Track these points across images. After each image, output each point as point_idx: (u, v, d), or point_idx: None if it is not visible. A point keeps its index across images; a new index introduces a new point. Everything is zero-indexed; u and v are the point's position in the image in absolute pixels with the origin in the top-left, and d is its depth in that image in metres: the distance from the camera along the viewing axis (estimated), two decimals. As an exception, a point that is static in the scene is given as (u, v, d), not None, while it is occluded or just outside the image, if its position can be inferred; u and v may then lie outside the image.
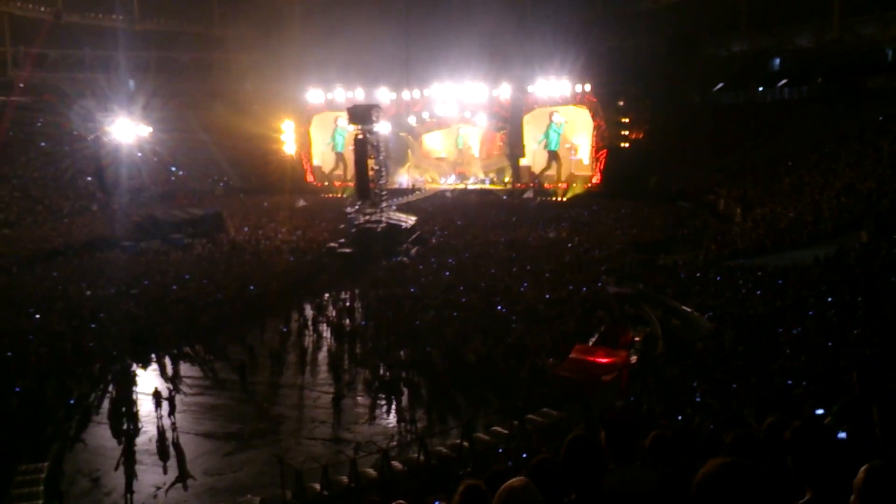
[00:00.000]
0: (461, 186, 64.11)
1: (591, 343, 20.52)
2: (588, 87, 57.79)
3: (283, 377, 21.89)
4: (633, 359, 19.80)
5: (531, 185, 61.19)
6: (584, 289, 27.42)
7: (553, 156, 62.01)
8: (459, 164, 67.70)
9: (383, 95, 63.41)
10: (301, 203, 59.08)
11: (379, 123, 39.54)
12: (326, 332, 25.78)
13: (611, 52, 66.58)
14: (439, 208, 54.12)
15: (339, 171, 68.33)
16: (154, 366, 22.78)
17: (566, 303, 25.50)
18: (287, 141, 69.50)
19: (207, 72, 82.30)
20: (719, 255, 30.88)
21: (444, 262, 34.48)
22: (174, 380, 21.45)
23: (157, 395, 18.97)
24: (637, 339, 21.09)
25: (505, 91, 60.91)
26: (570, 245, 37.33)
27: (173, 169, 70.66)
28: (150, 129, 65.31)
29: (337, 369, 21.40)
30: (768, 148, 48.96)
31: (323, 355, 23.92)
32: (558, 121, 61.34)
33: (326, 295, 30.44)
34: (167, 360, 22.79)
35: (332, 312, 27.73)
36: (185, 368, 22.57)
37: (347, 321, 26.39)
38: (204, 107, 74.41)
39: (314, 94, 67.26)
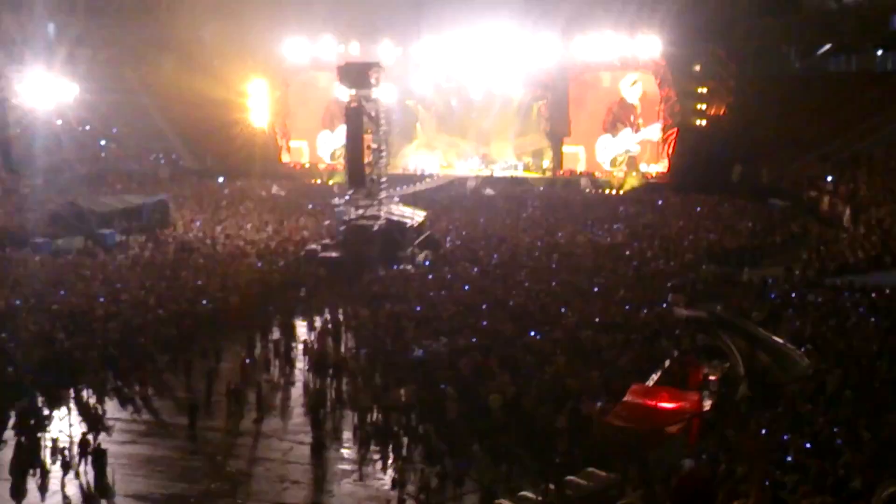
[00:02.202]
0: (486, 173, 64.33)
1: (652, 383, 20.57)
2: (655, 47, 57.89)
3: (244, 421, 22.11)
4: (707, 404, 19.82)
5: (582, 173, 61.28)
6: (645, 311, 27.44)
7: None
8: (484, 143, 67.94)
9: (386, 50, 63.81)
10: (274, 191, 59.56)
11: (379, 87, 39.76)
12: (303, 363, 25.99)
13: (687, 2, 66.54)
14: (456, 201, 54.34)
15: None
16: (73, 404, 22.94)
17: (620, 329, 25.52)
18: (256, 108, 69.96)
19: (151, 14, 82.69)
20: (822, 270, 30.85)
21: (460, 272, 34.62)
22: (99, 423, 21.49)
23: (78, 444, 19.20)
24: (712, 378, 21.08)
25: (546, 48, 61.04)
26: (626, 253, 37.35)
27: (104, 142, 71.45)
28: (75, 89, 66.23)
29: (317, 412, 21.61)
30: (889, 131, 48.76)
31: (298, 393, 24.11)
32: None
33: (304, 314, 30.66)
34: (90, 397, 22.99)
35: (311, 337, 27.96)
36: (115, 408, 22.83)
37: (332, 349, 26.58)
38: (147, 60, 74.94)
39: (294, 47, 67.60)
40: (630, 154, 61.75)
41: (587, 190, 58.66)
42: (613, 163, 61.97)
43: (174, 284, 33.03)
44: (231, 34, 71.42)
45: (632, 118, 61.90)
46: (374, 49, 63.10)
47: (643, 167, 61.11)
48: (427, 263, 37.51)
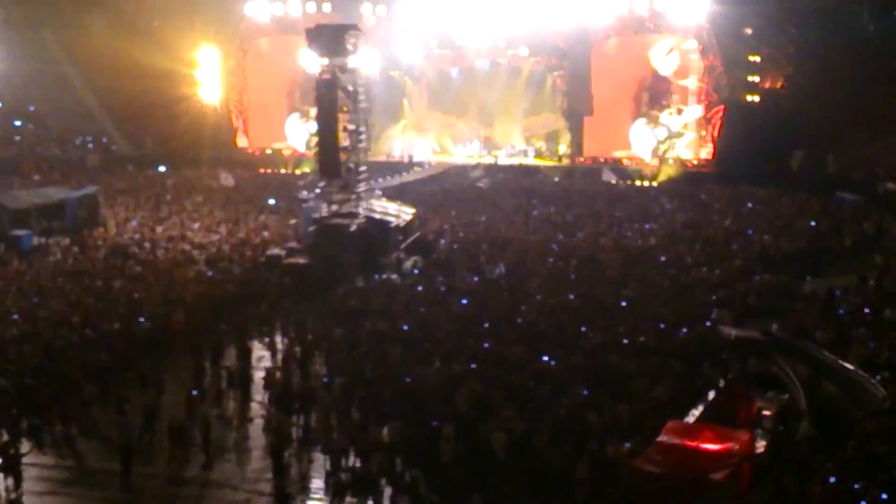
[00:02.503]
0: (489, 160, 64.46)
1: (693, 419, 20.56)
2: (697, 5, 58.02)
3: (190, 467, 22.06)
4: (761, 445, 19.82)
5: (606, 160, 61.56)
6: (684, 330, 27.48)
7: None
8: (486, 123, 68.11)
9: (367, 10, 63.92)
10: (222, 180, 59.48)
11: (357, 55, 39.79)
12: (263, 395, 25.95)
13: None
14: (452, 195, 54.35)
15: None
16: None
17: (654, 353, 25.53)
18: (207, 81, 70.00)
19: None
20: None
21: (457, 282, 34.60)
22: (12, 469, 21.31)
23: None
24: (767, 413, 21.07)
25: (563, 6, 61.17)
26: (661, 259, 37.44)
27: (18, 123, 71.34)
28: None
29: (279, 455, 21.54)
30: None
31: (257, 432, 24.07)
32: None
33: (265, 333, 30.64)
34: (1, 437, 22.88)
35: (273, 362, 27.91)
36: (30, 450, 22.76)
37: (299, 377, 26.54)
38: (71, 21, 74.87)
39: (253, 6, 67.73)
40: (674, 140, 61.90)
41: (612, 181, 58.75)
42: (655, 153, 62.13)
43: (105, 298, 32.96)
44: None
45: (671, 96, 62.08)
46: (351, 8, 63.24)
47: (680, 152, 61.35)
48: (416, 272, 37.50)
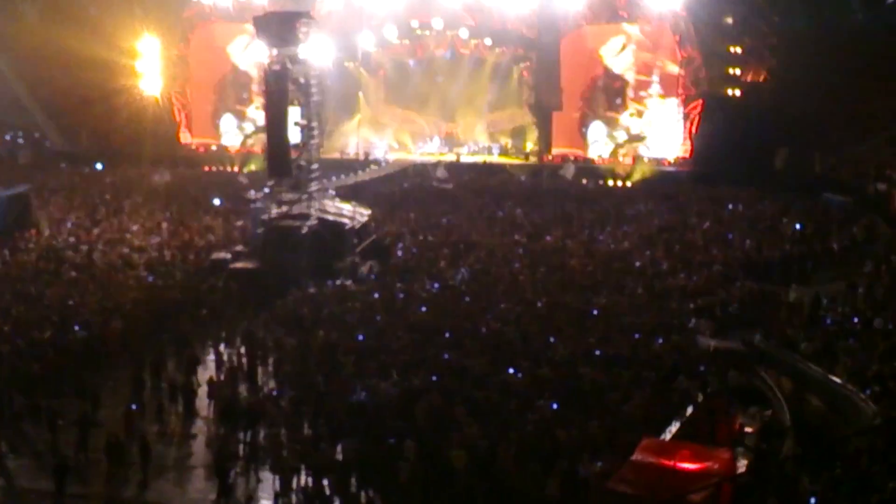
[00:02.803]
0: (450, 158, 64.46)
1: (669, 436, 20.55)
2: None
3: (128, 488, 21.81)
4: (742, 464, 19.83)
5: (572, 157, 61.86)
6: (660, 341, 27.50)
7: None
8: (448, 118, 68.12)
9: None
10: (157, 178, 59.00)
11: (310, 44, 39.67)
12: (207, 410, 25.70)
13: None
14: (411, 195, 54.27)
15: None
16: None
17: (628, 365, 25.50)
18: (148, 72, 69.51)
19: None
20: (893, 287, 31.06)
21: (416, 289, 34.50)
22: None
23: None
24: (749, 430, 21.10)
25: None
26: (636, 264, 37.53)
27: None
28: None
29: (224, 474, 21.32)
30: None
31: (200, 449, 23.80)
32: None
33: (209, 343, 30.37)
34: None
35: (217, 374, 27.66)
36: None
37: (245, 391, 26.29)
38: (2, 9, 74.16)
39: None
40: (635, 144, 62.28)
41: (570, 177, 58.85)
42: (615, 156, 62.66)
43: (37, 305, 32.72)
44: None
45: (626, 96, 62.39)
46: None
47: (646, 151, 61.70)
48: (372, 277, 37.42)
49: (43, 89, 70.76)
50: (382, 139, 68.11)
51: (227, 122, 70.32)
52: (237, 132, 70.32)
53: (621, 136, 63.04)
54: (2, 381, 25.80)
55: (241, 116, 70.53)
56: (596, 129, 63.45)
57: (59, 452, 22.28)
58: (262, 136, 59.67)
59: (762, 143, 55.33)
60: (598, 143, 63.46)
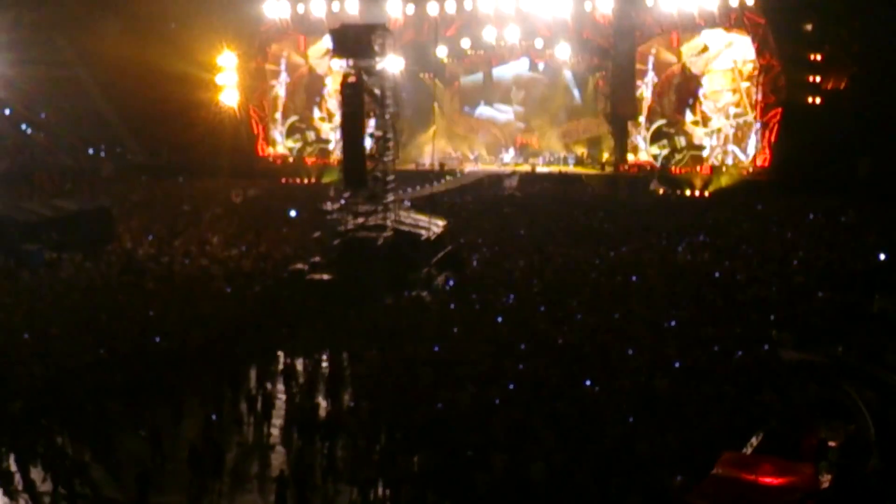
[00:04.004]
0: (525, 168, 64.44)
1: (750, 450, 20.28)
2: (754, 1, 57.78)
3: (207, 497, 21.99)
4: (825, 480, 19.50)
5: (651, 168, 61.42)
6: (740, 353, 27.20)
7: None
8: (523, 130, 68.11)
9: (394, 8, 64.19)
10: (244, 193, 59.73)
11: (385, 57, 39.88)
12: (286, 420, 25.86)
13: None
14: (487, 206, 54.29)
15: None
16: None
17: (707, 378, 25.30)
18: (227, 85, 70.51)
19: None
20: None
21: (492, 300, 34.51)
22: (29, 498, 21.55)
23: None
24: (832, 444, 20.74)
25: (605, 4, 61.16)
26: (714, 275, 37.15)
27: (29, 130, 72.08)
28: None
29: (302, 486, 21.48)
30: None
31: (279, 461, 24.02)
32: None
33: (287, 354, 30.64)
34: (12, 465, 23.01)
35: (295, 385, 27.91)
36: (42, 478, 22.74)
37: (322, 402, 26.50)
38: (84, 24, 75.70)
39: (274, 6, 68.30)
40: (689, 153, 61.55)
41: (658, 191, 58.53)
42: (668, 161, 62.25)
43: (119, 316, 33.12)
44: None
45: (696, 97, 61.72)
46: (377, 7, 63.57)
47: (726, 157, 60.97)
48: (448, 288, 37.41)
49: (124, 104, 72.13)
50: (458, 151, 68.34)
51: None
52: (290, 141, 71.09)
53: (681, 142, 62.43)
54: (85, 392, 26.22)
55: (308, 122, 71.24)
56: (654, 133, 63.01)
57: (141, 462, 22.62)
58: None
59: (844, 152, 54.48)
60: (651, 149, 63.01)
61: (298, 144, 71.83)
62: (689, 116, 62.31)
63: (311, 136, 71.30)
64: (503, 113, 68.65)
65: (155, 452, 23.20)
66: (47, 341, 29.94)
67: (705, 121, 61.79)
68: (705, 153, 62.02)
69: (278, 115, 72.17)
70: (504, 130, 68.44)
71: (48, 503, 21.67)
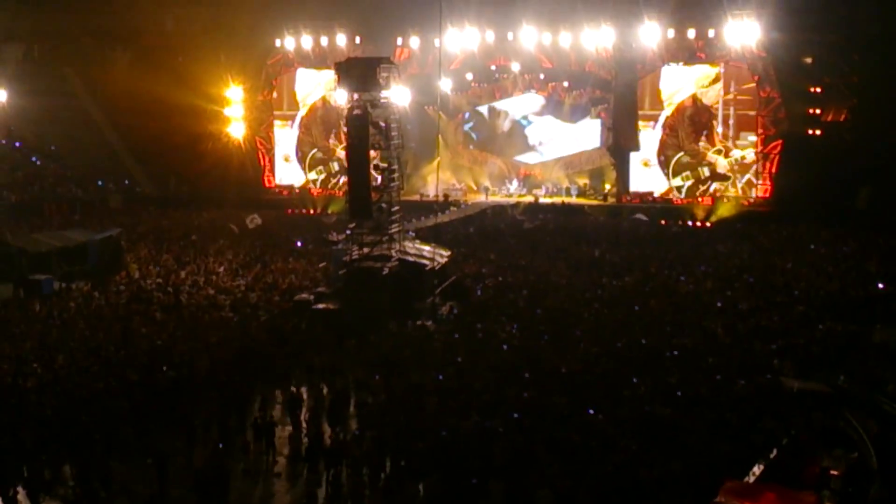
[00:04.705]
0: (528, 199, 64.58)
1: (752, 478, 20.25)
2: (752, 33, 58.08)
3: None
4: (828, 508, 19.44)
5: (648, 198, 61.58)
6: (742, 382, 27.18)
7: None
8: (526, 162, 68.32)
9: (400, 42, 64.66)
10: (252, 222, 59.99)
11: (390, 89, 40.11)
12: (291, 448, 25.86)
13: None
14: (491, 236, 54.39)
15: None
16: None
17: (710, 406, 25.28)
18: (234, 118, 70.88)
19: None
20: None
21: (496, 329, 34.53)
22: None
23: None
24: (834, 473, 20.70)
25: (607, 37, 61.54)
26: (716, 304, 37.17)
27: (38, 161, 72.39)
28: (1, 94, 67.25)
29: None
30: None
31: (284, 488, 23.99)
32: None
33: (292, 382, 30.63)
34: (19, 494, 22.97)
35: (301, 414, 27.91)
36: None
37: (328, 429, 26.49)
38: (94, 57, 76.32)
39: (281, 39, 68.89)
40: (721, 183, 61.73)
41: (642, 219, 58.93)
42: (694, 191, 62.14)
43: (127, 345, 33.23)
44: (202, 23, 72.45)
45: (711, 128, 61.94)
46: (383, 40, 64.11)
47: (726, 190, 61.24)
48: (453, 318, 37.44)
49: (133, 136, 72.55)
50: (462, 182, 68.55)
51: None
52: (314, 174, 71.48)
53: (705, 172, 62.48)
54: (93, 420, 26.23)
55: (328, 153, 71.58)
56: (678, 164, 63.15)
57: (147, 489, 22.59)
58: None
59: (844, 183, 54.57)
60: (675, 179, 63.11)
61: (322, 176, 71.85)
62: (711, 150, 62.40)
63: (334, 166, 71.37)
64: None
65: (161, 480, 23.21)
66: (56, 370, 29.97)
67: (727, 151, 61.77)
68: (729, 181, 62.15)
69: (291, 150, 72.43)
70: (508, 161, 68.65)
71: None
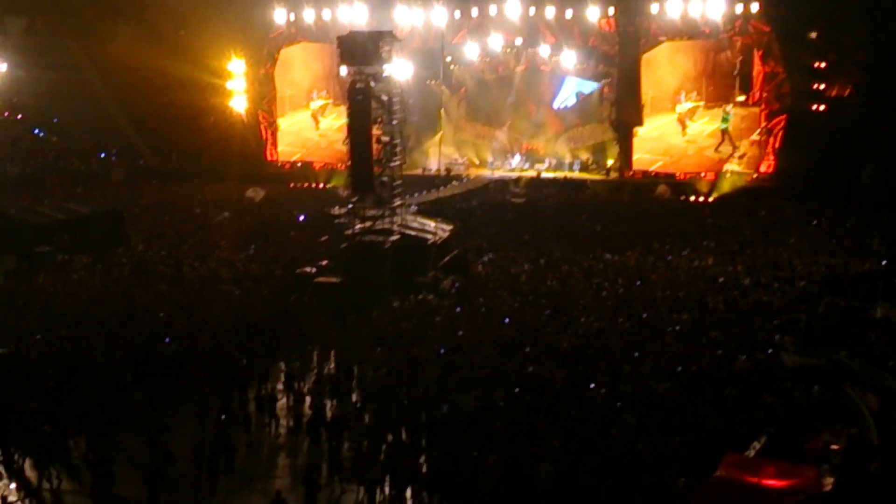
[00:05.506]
0: (530, 174, 64.46)
1: (753, 453, 20.28)
2: (755, 7, 57.80)
3: (216, 496, 22.16)
4: (828, 483, 19.49)
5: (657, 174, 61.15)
6: (743, 357, 27.17)
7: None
8: (528, 136, 68.12)
9: (402, 15, 64.28)
10: (253, 195, 59.89)
11: (392, 63, 39.97)
12: (293, 421, 25.98)
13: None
14: (493, 211, 54.40)
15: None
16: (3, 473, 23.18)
17: (710, 381, 25.29)
18: (236, 92, 70.70)
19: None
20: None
21: (498, 303, 34.57)
22: (34, 497, 21.64)
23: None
24: (835, 447, 20.72)
25: (610, 10, 61.28)
26: (718, 280, 37.16)
27: (41, 133, 72.32)
28: (2, 66, 67.09)
29: (311, 485, 21.55)
30: None
31: (286, 460, 24.05)
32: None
33: (294, 355, 30.68)
34: (24, 461, 23.13)
35: (302, 387, 27.97)
36: (52, 475, 22.82)
37: (329, 402, 26.54)
38: (96, 30, 76.02)
39: (283, 14, 68.59)
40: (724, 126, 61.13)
41: (665, 196, 58.64)
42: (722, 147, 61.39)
43: (129, 318, 33.25)
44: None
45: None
46: (385, 14, 63.70)
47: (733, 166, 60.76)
48: (454, 292, 37.45)
49: (135, 109, 72.40)
50: (463, 157, 68.39)
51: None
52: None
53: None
54: (96, 391, 26.31)
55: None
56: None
57: (151, 461, 22.69)
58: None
59: (847, 159, 54.40)
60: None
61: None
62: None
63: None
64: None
65: (165, 452, 23.29)
66: (59, 342, 30.00)
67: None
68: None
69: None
70: (510, 135, 68.43)
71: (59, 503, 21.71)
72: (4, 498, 21.02)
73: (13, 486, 22.32)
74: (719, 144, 61.09)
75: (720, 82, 61.37)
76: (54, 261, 42.55)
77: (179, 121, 69.71)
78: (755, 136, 60.19)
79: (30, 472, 22.71)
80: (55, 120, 73.63)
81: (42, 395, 25.66)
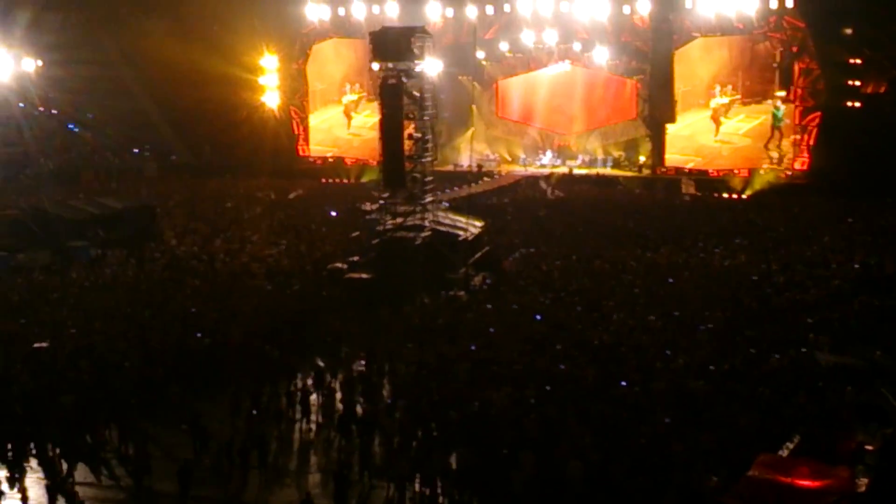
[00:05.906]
0: (562, 170, 64.30)
1: (786, 452, 20.15)
2: (790, 3, 57.35)
3: (248, 491, 22.24)
4: (862, 483, 19.33)
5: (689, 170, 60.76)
6: (777, 356, 27.03)
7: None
8: (560, 132, 67.95)
9: (434, 11, 64.32)
10: (294, 193, 60.20)
11: (424, 60, 39.96)
12: (320, 416, 26.07)
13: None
14: (524, 207, 54.29)
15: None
16: (34, 466, 23.25)
17: (743, 379, 25.16)
18: (269, 87, 70.97)
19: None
20: None
21: (529, 300, 34.52)
22: (66, 492, 21.71)
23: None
24: (869, 448, 20.55)
25: (643, 6, 60.94)
26: (751, 278, 36.93)
27: (75, 129, 72.91)
28: (38, 63, 67.65)
29: (342, 482, 21.60)
30: None
31: (317, 456, 24.14)
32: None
33: (325, 351, 30.78)
34: (55, 455, 23.27)
35: (333, 383, 28.05)
36: (85, 471, 23.00)
37: (360, 399, 26.60)
38: (129, 26, 76.51)
39: (315, 9, 68.75)
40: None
41: (690, 192, 58.33)
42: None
43: (162, 312, 33.51)
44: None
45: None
46: (417, 10, 63.80)
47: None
48: (485, 288, 37.41)
49: (168, 105, 72.91)
50: (495, 153, 68.34)
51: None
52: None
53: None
54: (128, 385, 26.48)
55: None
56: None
57: (182, 455, 22.83)
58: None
59: (883, 156, 53.87)
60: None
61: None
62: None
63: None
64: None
65: (197, 446, 23.42)
66: (92, 336, 30.25)
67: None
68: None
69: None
70: (542, 132, 68.29)
71: (91, 496, 21.84)
72: (24, 491, 21.15)
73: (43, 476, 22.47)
74: (768, 141, 60.48)
75: (758, 76, 60.79)
76: (88, 256, 42.94)
77: (212, 116, 70.09)
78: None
79: (63, 464, 22.82)
80: (90, 115, 74.18)
81: (77, 389, 25.90)
